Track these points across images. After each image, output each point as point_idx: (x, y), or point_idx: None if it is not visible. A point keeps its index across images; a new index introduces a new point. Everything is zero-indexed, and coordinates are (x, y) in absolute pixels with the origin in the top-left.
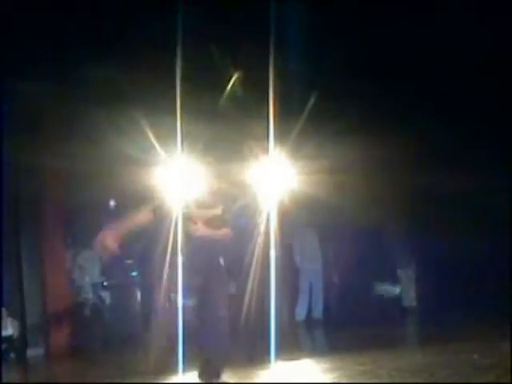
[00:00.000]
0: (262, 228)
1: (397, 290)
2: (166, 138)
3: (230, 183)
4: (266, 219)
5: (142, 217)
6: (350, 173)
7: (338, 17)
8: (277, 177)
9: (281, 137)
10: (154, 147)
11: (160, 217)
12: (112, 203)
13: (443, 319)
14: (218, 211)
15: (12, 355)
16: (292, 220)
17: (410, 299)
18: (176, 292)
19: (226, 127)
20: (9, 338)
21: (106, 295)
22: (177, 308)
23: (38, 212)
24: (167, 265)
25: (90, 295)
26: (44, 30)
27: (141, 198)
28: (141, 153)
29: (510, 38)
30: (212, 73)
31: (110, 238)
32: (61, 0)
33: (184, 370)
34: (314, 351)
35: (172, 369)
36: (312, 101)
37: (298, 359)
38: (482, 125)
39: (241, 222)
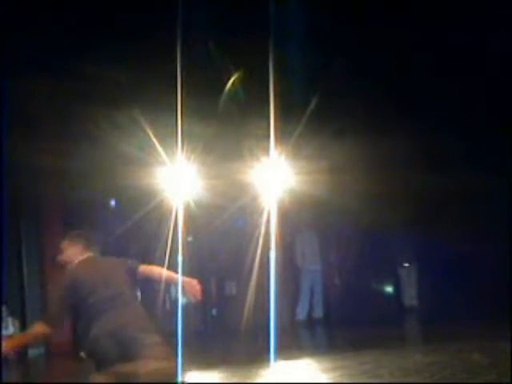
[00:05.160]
0: (263, 229)
1: (397, 289)
2: (166, 137)
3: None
4: (267, 220)
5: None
6: (351, 173)
7: (340, 17)
8: (277, 177)
9: (281, 137)
10: (154, 147)
11: None
12: (113, 202)
13: (443, 319)
14: None
15: (12, 355)
16: (293, 220)
17: (411, 298)
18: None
19: (226, 127)
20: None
21: None
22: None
23: (38, 211)
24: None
25: None
26: (44, 30)
27: (141, 197)
28: (141, 152)
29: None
30: (213, 73)
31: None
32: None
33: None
34: (315, 351)
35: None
36: (313, 101)
37: (298, 359)
38: (486, 125)
39: (239, 223)
